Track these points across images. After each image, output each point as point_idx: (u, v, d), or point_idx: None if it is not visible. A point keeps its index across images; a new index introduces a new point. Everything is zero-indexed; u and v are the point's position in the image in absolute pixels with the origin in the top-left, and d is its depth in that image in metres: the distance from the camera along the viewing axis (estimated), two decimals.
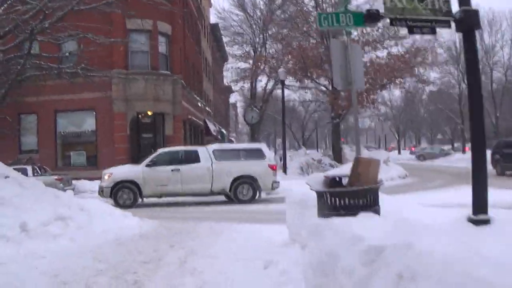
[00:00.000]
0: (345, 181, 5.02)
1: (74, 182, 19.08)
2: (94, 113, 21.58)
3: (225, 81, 50.92)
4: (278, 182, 14.87)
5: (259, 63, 24.46)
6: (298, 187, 7.37)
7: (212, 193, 14.37)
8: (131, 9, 21.23)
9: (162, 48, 22.84)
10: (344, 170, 10.06)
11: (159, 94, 21.94)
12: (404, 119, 65.36)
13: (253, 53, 32.07)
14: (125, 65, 21.48)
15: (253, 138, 33.91)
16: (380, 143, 79.78)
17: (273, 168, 14.87)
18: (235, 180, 14.16)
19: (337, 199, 4.60)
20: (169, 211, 13.28)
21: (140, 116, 22.50)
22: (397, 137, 71.69)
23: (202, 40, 36.58)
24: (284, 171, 21.56)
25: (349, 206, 4.54)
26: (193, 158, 14.47)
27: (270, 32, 32.19)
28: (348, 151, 25.37)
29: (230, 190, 14.21)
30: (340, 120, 25.56)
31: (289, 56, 22.90)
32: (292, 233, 6.29)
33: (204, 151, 14.64)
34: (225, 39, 41.19)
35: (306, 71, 22.28)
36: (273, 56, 25.46)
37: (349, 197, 4.57)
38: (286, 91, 31.76)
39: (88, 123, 21.86)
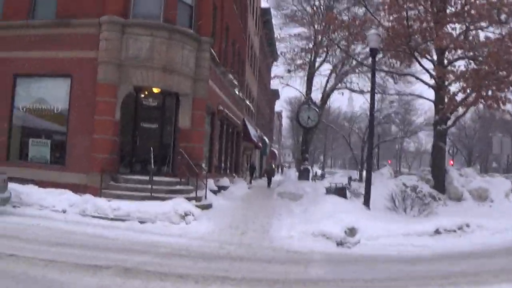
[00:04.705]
0: None
1: (15, 187, 11.24)
2: (70, 82, 13.53)
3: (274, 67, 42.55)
4: None
5: (330, 26, 15.65)
6: None
7: None
8: None
9: None
10: None
11: (173, 62, 13.78)
12: (477, 143, 55.55)
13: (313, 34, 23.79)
14: (125, 11, 13.48)
15: (306, 147, 25.38)
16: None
17: None
18: None
19: None
20: None
21: (141, 94, 14.35)
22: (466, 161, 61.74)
23: (249, 20, 28.51)
24: (366, 203, 12.59)
25: None
26: None
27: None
28: (456, 176, 16.29)
29: None
30: (449, 127, 16.61)
31: (385, 13, 14.05)
32: None
33: None
34: (275, 23, 32.94)
35: (410, 40, 13.63)
36: (354, 17, 16.59)
37: None
38: (339, 100, 23.02)
39: (59, 97, 13.69)
